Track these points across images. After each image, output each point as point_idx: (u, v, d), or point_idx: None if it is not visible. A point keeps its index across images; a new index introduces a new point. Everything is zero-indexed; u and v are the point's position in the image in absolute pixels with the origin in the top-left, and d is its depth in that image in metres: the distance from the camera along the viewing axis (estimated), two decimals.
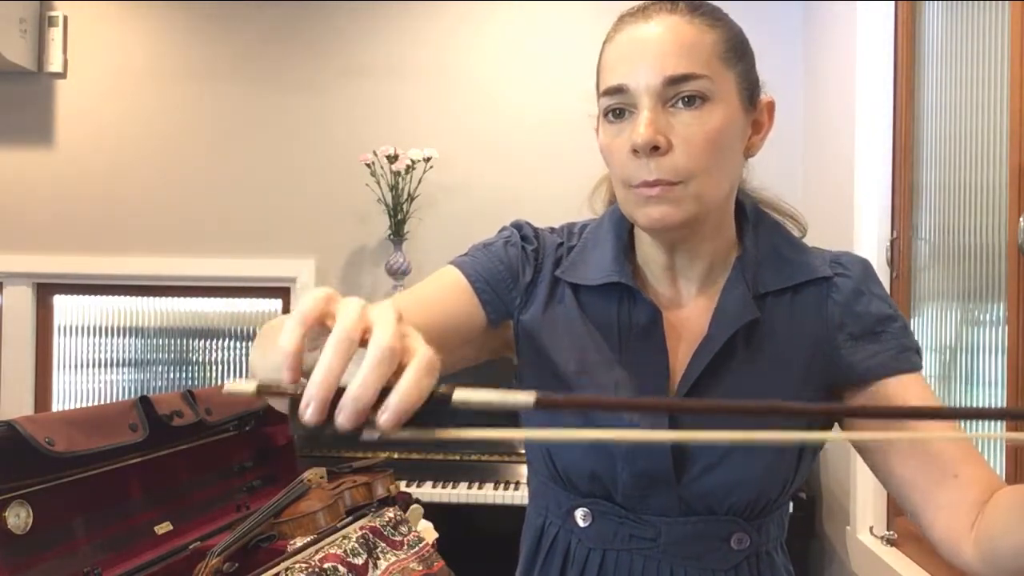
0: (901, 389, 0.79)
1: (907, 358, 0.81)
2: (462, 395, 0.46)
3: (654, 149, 0.74)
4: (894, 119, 2.01)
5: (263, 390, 0.46)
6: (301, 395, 0.45)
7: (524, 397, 0.46)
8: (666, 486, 0.81)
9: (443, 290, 0.84)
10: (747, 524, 0.82)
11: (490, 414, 0.47)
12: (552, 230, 0.93)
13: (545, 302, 0.87)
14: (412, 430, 0.46)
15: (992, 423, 1.46)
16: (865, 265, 0.86)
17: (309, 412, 0.45)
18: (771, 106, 0.84)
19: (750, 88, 0.80)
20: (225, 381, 0.45)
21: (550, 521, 0.88)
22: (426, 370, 0.46)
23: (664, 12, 0.77)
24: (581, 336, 0.85)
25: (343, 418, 0.45)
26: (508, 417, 0.59)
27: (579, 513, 0.85)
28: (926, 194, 1.88)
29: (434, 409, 0.46)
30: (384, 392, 0.45)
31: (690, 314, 0.85)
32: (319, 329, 0.48)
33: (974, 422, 1.45)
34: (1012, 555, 0.68)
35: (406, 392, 0.45)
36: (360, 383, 0.45)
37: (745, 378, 0.81)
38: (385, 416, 0.45)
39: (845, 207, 2.14)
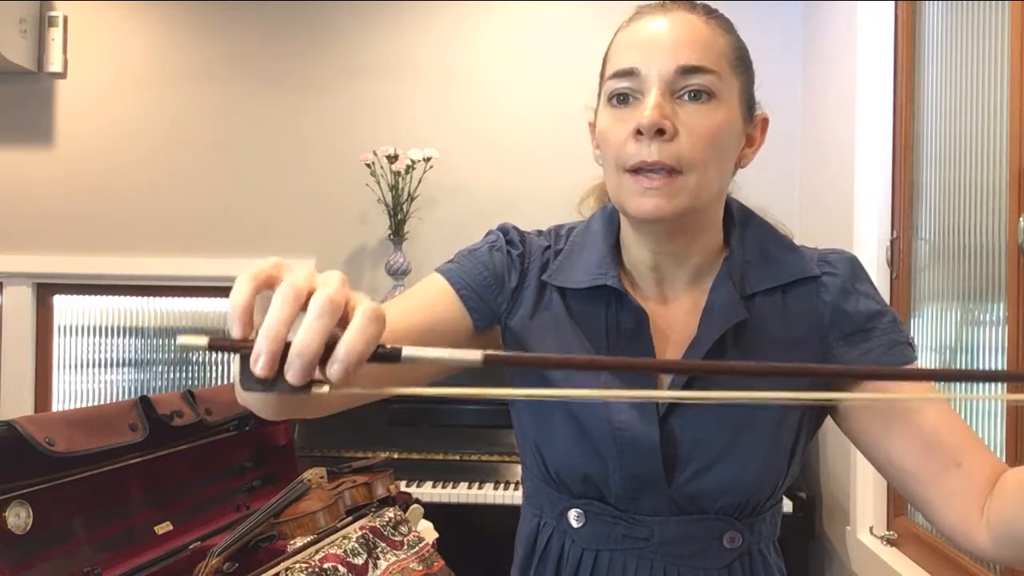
0: (897, 383, 0.79)
1: (899, 351, 0.81)
2: (411, 351, 0.47)
3: (659, 133, 0.74)
4: (894, 119, 2.01)
5: (215, 343, 0.47)
6: (251, 349, 0.46)
7: (472, 355, 0.47)
8: (657, 488, 0.81)
9: (429, 298, 0.85)
10: (739, 523, 0.83)
11: None
12: (539, 233, 0.93)
13: (533, 307, 0.87)
14: (364, 385, 0.47)
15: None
16: (852, 263, 0.86)
17: (260, 364, 0.46)
18: (765, 122, 0.85)
19: (749, 101, 0.82)
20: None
21: (544, 522, 0.88)
22: (371, 318, 0.46)
23: (682, 9, 0.79)
24: (569, 340, 0.85)
25: (292, 373, 0.46)
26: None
27: (572, 514, 0.85)
28: (926, 194, 1.88)
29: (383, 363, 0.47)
30: (332, 350, 0.46)
31: (678, 316, 0.85)
32: (271, 294, 0.49)
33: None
34: None
35: (353, 340, 0.46)
36: (303, 333, 0.46)
37: (737, 379, 0.81)
38: (335, 367, 0.46)
39: (845, 207, 2.14)
